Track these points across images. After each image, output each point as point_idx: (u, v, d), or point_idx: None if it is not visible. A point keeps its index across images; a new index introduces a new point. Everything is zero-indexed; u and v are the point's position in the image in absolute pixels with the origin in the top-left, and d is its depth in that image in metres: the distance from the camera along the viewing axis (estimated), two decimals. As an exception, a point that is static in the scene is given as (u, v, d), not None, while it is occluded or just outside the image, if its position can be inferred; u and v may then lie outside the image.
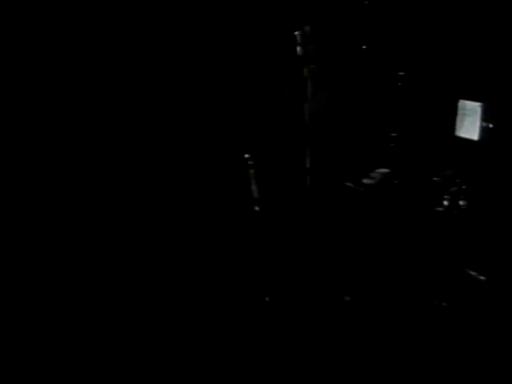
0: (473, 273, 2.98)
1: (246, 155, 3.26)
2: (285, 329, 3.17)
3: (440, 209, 3.20)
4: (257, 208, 3.48)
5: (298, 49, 3.53)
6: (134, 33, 3.24)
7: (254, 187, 3.45)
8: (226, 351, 3.01)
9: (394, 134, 3.55)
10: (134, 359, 2.97)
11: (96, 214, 3.27)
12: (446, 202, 3.18)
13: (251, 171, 3.42)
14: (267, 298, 3.37)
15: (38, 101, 3.07)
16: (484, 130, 3.03)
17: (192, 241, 3.47)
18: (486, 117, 3.02)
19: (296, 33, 3.50)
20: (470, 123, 3.07)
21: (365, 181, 3.60)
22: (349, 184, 3.63)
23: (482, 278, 2.94)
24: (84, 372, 2.87)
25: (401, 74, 3.46)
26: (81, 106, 3.19)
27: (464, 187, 3.14)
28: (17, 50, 2.98)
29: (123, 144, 3.30)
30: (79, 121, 3.19)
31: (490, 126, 3.01)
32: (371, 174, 3.63)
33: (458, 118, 3.15)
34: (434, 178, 3.28)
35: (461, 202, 3.13)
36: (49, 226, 3.15)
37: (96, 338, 3.05)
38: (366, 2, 3.52)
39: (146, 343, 3.05)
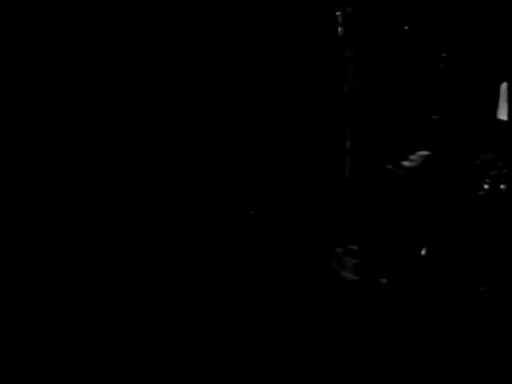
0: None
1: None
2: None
3: (480, 193, 3.16)
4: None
5: (340, 29, 3.52)
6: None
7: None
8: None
9: (435, 117, 3.51)
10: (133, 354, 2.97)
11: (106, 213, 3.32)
12: (486, 186, 3.14)
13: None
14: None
15: (37, 100, 3.14)
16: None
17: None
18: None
19: (338, 13, 3.49)
20: (512, 105, 3.02)
21: (405, 163, 3.58)
22: (388, 166, 3.61)
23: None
24: (82, 372, 2.88)
25: (443, 55, 3.41)
26: (80, 107, 3.24)
27: (505, 171, 3.09)
28: (17, 50, 3.05)
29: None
30: (78, 121, 3.24)
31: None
32: (411, 156, 3.60)
33: (501, 100, 3.10)
34: (475, 162, 3.24)
35: (502, 186, 3.09)
36: (46, 224, 3.21)
37: (94, 337, 3.03)
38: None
39: (146, 341, 3.04)
